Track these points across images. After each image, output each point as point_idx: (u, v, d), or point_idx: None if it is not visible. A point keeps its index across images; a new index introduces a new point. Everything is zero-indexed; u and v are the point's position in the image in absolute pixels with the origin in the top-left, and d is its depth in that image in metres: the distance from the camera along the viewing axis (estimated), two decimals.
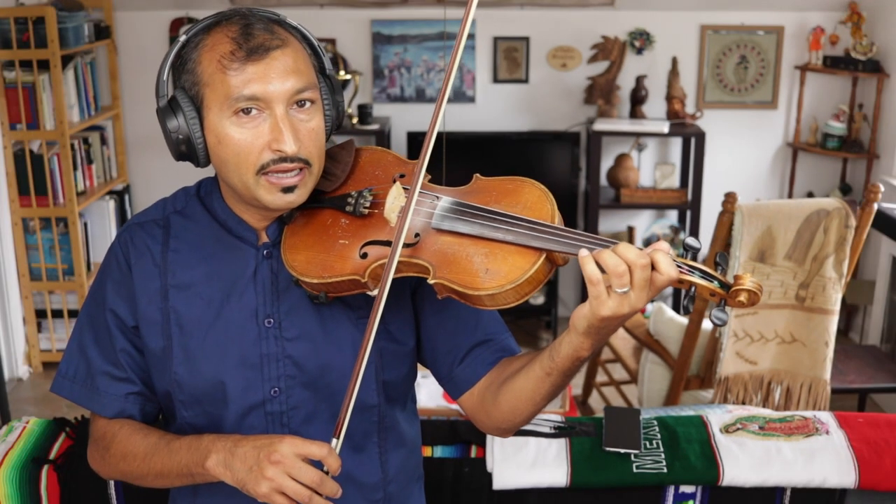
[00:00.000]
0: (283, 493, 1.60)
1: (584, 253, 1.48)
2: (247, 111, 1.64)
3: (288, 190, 1.69)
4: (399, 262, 1.63)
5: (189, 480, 1.75)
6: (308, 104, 1.70)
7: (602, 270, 1.47)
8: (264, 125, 1.65)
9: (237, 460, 1.64)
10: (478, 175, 1.73)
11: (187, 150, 1.71)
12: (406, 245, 1.64)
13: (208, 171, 1.83)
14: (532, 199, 1.64)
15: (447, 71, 1.58)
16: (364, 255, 1.68)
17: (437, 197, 1.68)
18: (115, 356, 1.83)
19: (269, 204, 1.70)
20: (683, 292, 1.50)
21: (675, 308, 5.81)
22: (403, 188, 1.71)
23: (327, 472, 1.62)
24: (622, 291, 1.45)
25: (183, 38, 1.70)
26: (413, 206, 1.62)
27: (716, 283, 1.47)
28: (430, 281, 1.61)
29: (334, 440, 1.64)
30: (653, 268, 1.46)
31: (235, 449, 1.66)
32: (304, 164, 1.69)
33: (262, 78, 1.63)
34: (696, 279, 1.47)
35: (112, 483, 2.40)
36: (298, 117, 1.68)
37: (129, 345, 1.83)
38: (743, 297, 1.47)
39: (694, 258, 1.50)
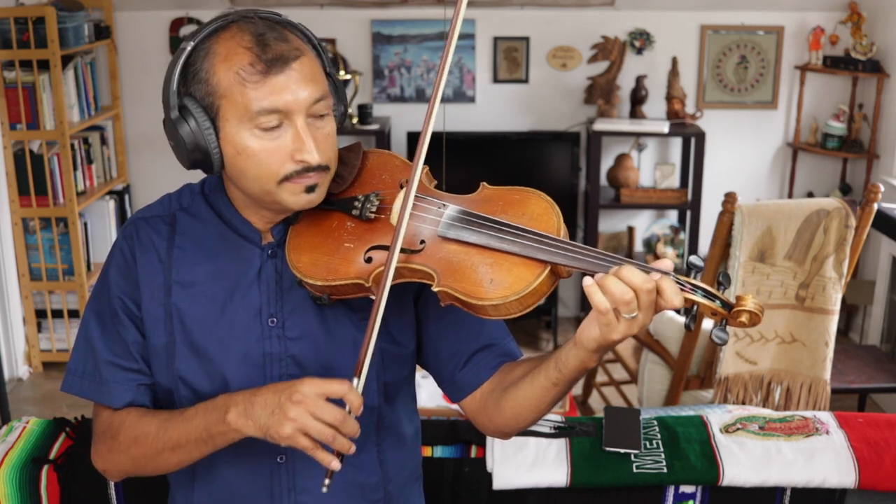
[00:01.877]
0: (307, 434, 1.60)
1: (588, 282, 1.49)
2: (268, 123, 1.64)
3: (310, 189, 1.69)
4: (404, 268, 1.64)
5: (208, 446, 1.72)
6: (324, 114, 1.70)
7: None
8: (285, 136, 1.66)
9: (258, 407, 1.63)
10: (485, 183, 1.74)
11: (203, 158, 1.70)
12: (411, 251, 1.65)
13: None
14: (538, 210, 1.65)
15: (436, 82, 1.58)
16: (369, 260, 1.68)
17: (444, 205, 1.68)
18: (124, 346, 1.82)
19: (291, 206, 1.71)
20: (685, 310, 1.51)
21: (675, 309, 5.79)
22: None
23: (349, 413, 1.62)
24: (630, 317, 1.48)
25: (189, 45, 1.68)
26: (409, 209, 1.63)
27: (718, 302, 1.49)
28: (435, 288, 1.62)
29: (355, 379, 1.63)
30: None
31: (254, 398, 1.65)
32: (324, 171, 1.70)
33: (283, 90, 1.63)
34: (698, 298, 1.49)
35: (112, 483, 2.39)
36: (315, 125, 1.69)
37: (137, 334, 1.83)
38: (744, 318, 1.48)
39: (696, 277, 1.52)
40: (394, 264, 1.61)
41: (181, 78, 1.69)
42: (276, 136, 1.66)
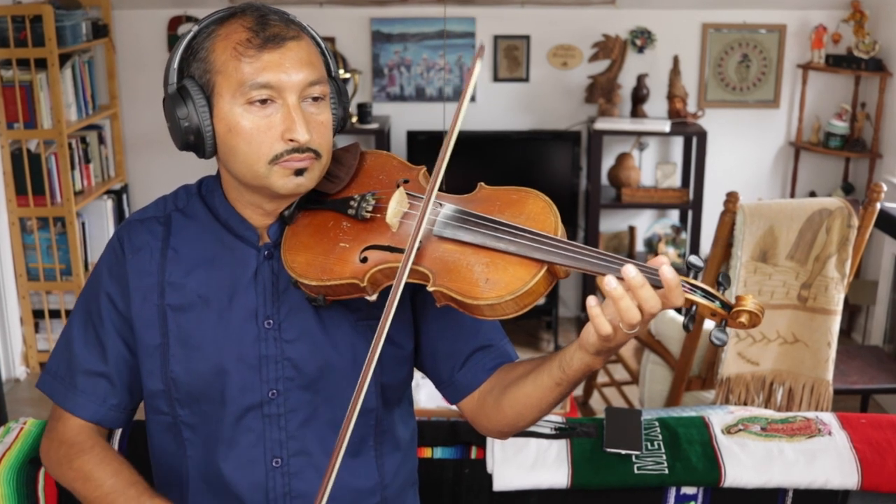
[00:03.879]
0: None
1: (591, 303, 1.49)
2: (261, 101, 1.65)
3: (299, 173, 1.69)
4: (398, 268, 1.63)
5: None
6: (319, 98, 1.71)
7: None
8: (276, 115, 1.66)
9: None
10: (482, 183, 1.73)
11: (195, 139, 1.70)
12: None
13: (208, 168, 1.83)
14: (536, 210, 1.63)
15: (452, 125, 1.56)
16: (364, 260, 1.67)
17: (441, 204, 1.67)
18: (101, 350, 1.83)
19: (280, 189, 1.70)
20: (684, 310, 1.50)
21: (678, 310, 5.78)
22: (407, 193, 1.71)
23: None
24: (630, 332, 1.49)
25: (196, 28, 1.71)
26: (424, 226, 1.61)
27: (717, 303, 1.48)
28: (430, 288, 1.61)
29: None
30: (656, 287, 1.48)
31: None
32: (315, 156, 1.69)
33: (276, 66, 1.64)
34: (697, 298, 1.48)
35: None
36: (309, 110, 1.69)
37: (118, 339, 1.83)
38: (744, 319, 1.47)
39: (696, 277, 1.50)
40: (405, 278, 1.60)
41: (183, 59, 1.71)
42: (268, 114, 1.66)
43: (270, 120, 1.66)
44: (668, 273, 1.44)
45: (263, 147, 1.67)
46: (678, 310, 1.50)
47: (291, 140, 1.66)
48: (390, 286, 1.63)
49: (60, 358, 1.88)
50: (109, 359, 1.83)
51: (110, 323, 1.82)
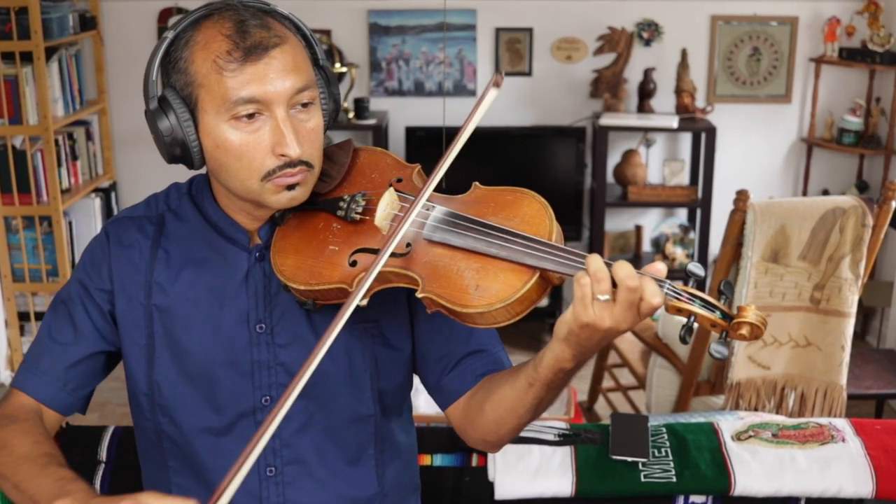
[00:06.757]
0: None
1: None
2: (248, 116, 1.63)
3: (291, 187, 1.68)
4: (389, 273, 1.62)
5: None
6: (308, 103, 1.69)
7: None
8: (265, 128, 1.64)
9: None
10: (476, 183, 1.71)
11: (181, 152, 1.69)
12: (397, 255, 1.62)
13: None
14: (531, 212, 1.61)
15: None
16: (353, 263, 1.66)
17: (432, 206, 1.65)
18: (71, 329, 1.80)
19: (273, 205, 1.70)
20: (684, 321, 1.47)
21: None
22: (398, 193, 1.69)
23: None
24: (603, 299, 1.43)
25: (171, 34, 1.67)
26: (408, 227, 1.60)
27: (718, 313, 1.46)
28: (419, 294, 1.58)
29: None
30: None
31: (91, 499, 1.52)
32: (308, 167, 1.68)
33: (261, 79, 1.61)
34: (696, 308, 1.45)
35: (98, 488, 2.39)
36: (298, 117, 1.67)
37: (88, 319, 1.80)
38: (745, 331, 1.45)
39: (697, 286, 1.48)
40: (374, 273, 1.56)
41: (162, 68, 1.68)
42: (256, 128, 1.63)
43: (259, 135, 1.63)
44: (651, 270, 1.42)
45: (254, 163, 1.64)
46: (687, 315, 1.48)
47: (282, 155, 1.63)
48: (381, 290, 1.62)
49: (30, 350, 1.84)
50: (79, 338, 1.80)
51: (81, 307, 1.80)
